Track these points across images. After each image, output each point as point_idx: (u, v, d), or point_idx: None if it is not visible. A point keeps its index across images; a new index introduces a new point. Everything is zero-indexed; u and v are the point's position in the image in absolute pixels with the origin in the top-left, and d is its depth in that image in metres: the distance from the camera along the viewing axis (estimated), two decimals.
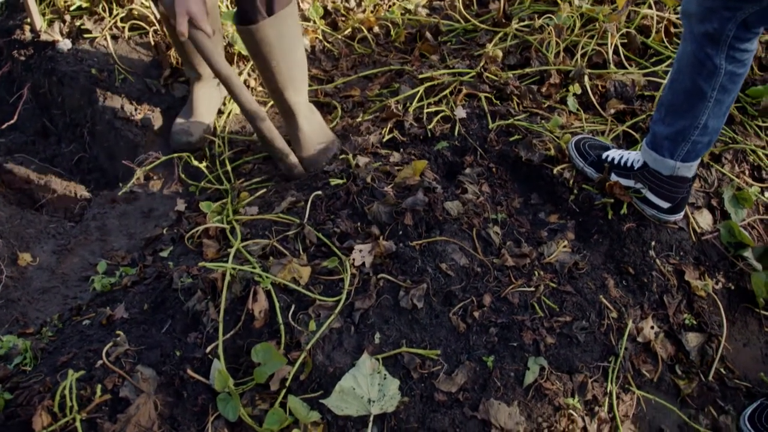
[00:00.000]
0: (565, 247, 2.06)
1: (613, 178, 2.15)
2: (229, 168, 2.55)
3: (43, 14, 2.91)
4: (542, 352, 1.81)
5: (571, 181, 2.21)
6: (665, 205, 2.08)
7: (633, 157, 2.13)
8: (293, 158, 2.36)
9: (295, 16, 2.27)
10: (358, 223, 2.01)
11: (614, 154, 2.17)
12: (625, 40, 2.72)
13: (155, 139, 2.73)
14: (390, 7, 3.34)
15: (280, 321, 1.75)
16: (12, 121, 2.88)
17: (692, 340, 1.99)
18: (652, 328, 1.96)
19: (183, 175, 2.58)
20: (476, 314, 1.82)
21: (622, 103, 2.50)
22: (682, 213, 2.12)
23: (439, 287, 1.86)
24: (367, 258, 1.87)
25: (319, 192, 2.12)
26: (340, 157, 2.26)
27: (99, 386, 1.61)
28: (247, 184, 2.40)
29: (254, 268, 1.82)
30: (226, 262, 1.86)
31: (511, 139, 2.33)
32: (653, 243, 2.10)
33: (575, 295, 1.94)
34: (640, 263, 2.07)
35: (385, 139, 2.32)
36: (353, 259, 1.87)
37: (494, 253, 2.00)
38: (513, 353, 1.80)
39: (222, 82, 2.15)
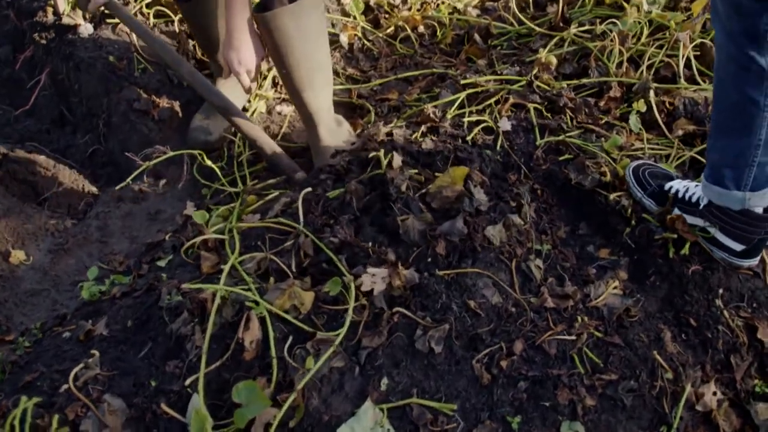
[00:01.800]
0: (615, 288, 1.75)
1: (676, 212, 1.84)
2: (246, 170, 2.32)
3: None
4: (579, 415, 1.51)
5: (629, 211, 1.90)
6: (738, 247, 1.76)
7: (700, 191, 1.81)
8: (302, 175, 2.17)
9: (320, 10, 2.06)
10: (376, 239, 1.75)
11: (678, 185, 1.86)
12: (699, 53, 2.40)
13: (171, 135, 2.52)
14: (438, 5, 3.07)
15: (274, 354, 1.51)
16: (27, 107, 2.72)
17: (763, 412, 1.66)
18: (715, 394, 1.64)
19: (198, 176, 2.37)
20: (504, 364, 1.54)
21: (692, 123, 2.18)
22: (758, 257, 1.80)
23: (463, 328, 1.58)
24: (378, 285, 1.61)
25: (310, 189, 1.88)
26: (370, 156, 1.97)
27: (56, 417, 1.40)
28: (261, 186, 2.17)
29: (248, 290, 1.58)
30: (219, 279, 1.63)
31: (561, 158, 2.03)
32: (721, 291, 1.78)
33: (624, 348, 1.64)
34: (704, 314, 1.75)
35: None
36: (361, 282, 1.60)
37: (533, 291, 1.71)
38: (544, 414, 1.51)
39: (216, 109, 2.13)
